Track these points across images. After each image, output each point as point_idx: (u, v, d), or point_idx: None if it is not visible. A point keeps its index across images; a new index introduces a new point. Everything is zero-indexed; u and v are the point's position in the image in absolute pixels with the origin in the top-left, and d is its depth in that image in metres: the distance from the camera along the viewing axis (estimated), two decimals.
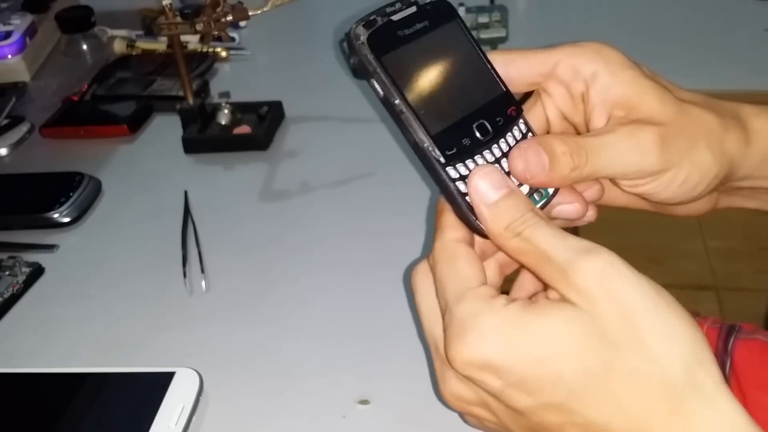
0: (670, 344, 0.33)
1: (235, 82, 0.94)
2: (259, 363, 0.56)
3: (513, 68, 0.42)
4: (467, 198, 0.38)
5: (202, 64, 0.95)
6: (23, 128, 0.87)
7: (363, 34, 0.38)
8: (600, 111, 0.41)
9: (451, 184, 0.38)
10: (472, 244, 0.39)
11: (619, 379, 0.33)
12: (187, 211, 0.71)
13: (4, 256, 0.67)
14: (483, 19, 0.99)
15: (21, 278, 0.65)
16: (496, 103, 0.40)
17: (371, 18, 0.38)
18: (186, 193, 0.74)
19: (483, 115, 0.39)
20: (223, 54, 0.98)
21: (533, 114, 0.43)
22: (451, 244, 0.39)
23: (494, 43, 0.96)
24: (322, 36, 1.03)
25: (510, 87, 0.41)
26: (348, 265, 0.64)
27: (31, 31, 1.01)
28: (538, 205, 0.40)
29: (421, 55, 0.39)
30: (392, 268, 0.62)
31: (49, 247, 0.69)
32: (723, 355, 0.62)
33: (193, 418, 0.50)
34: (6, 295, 0.63)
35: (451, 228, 0.39)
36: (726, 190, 0.47)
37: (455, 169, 0.38)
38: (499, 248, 0.38)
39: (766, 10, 1.00)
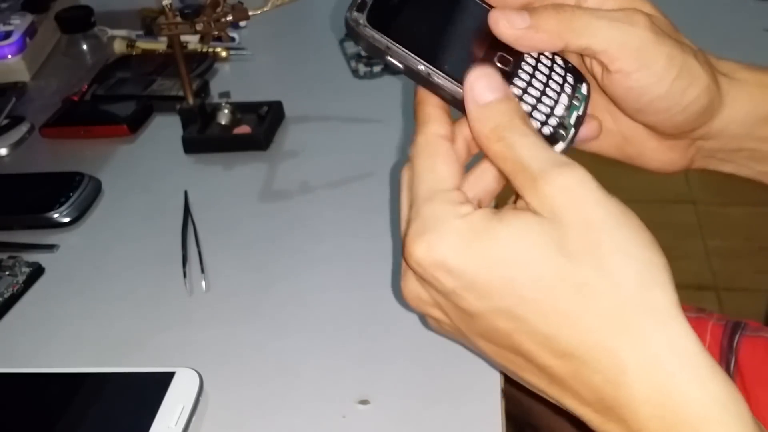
0: (627, 262, 0.33)
1: (235, 82, 0.94)
2: (259, 363, 0.56)
3: None
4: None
5: (202, 64, 0.95)
6: (23, 128, 0.87)
7: (361, 17, 0.38)
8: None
9: None
10: (453, 142, 0.39)
11: (571, 290, 0.32)
12: (187, 211, 0.71)
13: (4, 256, 0.67)
14: None
15: (21, 278, 0.65)
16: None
17: (360, 0, 0.38)
18: (186, 193, 0.74)
19: (499, 46, 0.40)
20: (223, 54, 0.98)
21: None
22: (433, 138, 0.38)
23: None
24: (322, 36, 1.03)
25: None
26: (348, 265, 0.64)
27: (31, 31, 1.01)
28: (579, 111, 0.40)
29: (422, 11, 0.39)
30: (392, 268, 0.62)
31: (49, 247, 0.69)
32: (727, 353, 0.61)
33: (193, 418, 0.50)
34: (6, 295, 0.63)
35: (436, 122, 0.39)
36: (703, 150, 0.46)
37: None
38: (481, 149, 0.38)
39: (766, 10, 1.00)
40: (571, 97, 0.41)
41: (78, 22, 1.03)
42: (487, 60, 0.39)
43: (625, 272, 0.32)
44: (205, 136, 0.81)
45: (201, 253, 0.66)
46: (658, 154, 0.46)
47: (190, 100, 0.80)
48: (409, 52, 0.38)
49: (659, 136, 0.44)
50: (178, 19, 0.74)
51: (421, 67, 0.38)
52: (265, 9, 0.74)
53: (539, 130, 0.39)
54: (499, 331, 0.35)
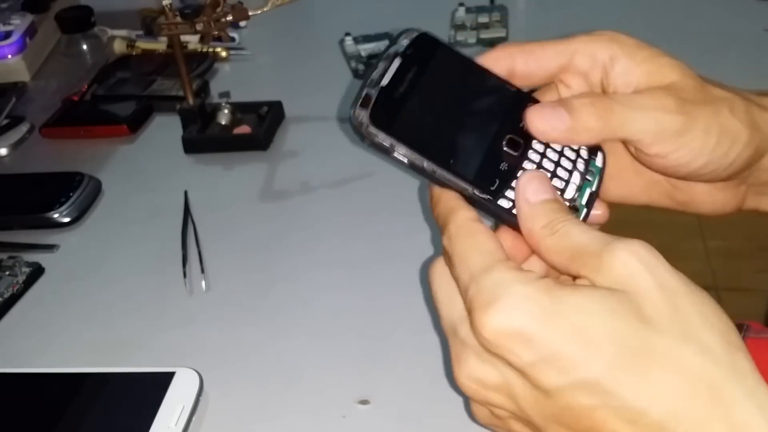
0: (711, 326, 0.31)
1: (235, 82, 0.94)
2: (259, 363, 0.56)
3: (533, 61, 0.41)
4: (513, 211, 0.37)
5: (202, 64, 0.95)
6: (23, 128, 0.87)
7: (365, 117, 0.37)
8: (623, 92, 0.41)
9: (504, 214, 0.37)
10: None
11: (660, 358, 0.31)
12: (187, 211, 0.71)
13: (4, 256, 0.67)
14: (483, 19, 0.99)
15: (21, 278, 0.65)
16: (512, 109, 0.39)
17: (364, 94, 0.37)
18: (186, 193, 0.74)
19: (507, 128, 0.39)
20: (223, 54, 0.98)
21: None
22: (468, 222, 0.37)
23: (494, 43, 0.96)
24: (322, 36, 1.03)
25: (528, 81, 0.41)
26: (348, 265, 0.64)
27: (31, 31, 1.01)
28: (592, 187, 0.39)
29: (426, 101, 0.38)
30: (392, 268, 0.62)
31: (49, 247, 0.69)
32: None
33: (193, 418, 0.50)
34: (6, 295, 0.63)
35: (465, 209, 0.37)
36: (754, 187, 0.45)
37: (506, 198, 0.38)
38: (532, 247, 0.36)
39: (766, 10, 1.00)
40: (583, 174, 0.39)
41: (78, 22, 1.03)
42: (497, 148, 0.38)
43: (712, 337, 0.31)
44: (205, 136, 0.81)
45: (201, 253, 0.66)
46: (709, 197, 0.45)
47: (190, 100, 0.80)
48: (413, 150, 0.37)
49: (707, 183, 0.44)
50: (178, 19, 0.74)
51: (425, 164, 0.37)
52: (265, 9, 0.74)
53: None
54: (579, 410, 0.32)
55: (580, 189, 0.39)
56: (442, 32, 0.99)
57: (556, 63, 0.41)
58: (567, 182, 0.39)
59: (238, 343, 0.58)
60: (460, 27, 0.98)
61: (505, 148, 0.38)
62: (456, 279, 0.36)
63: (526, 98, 0.40)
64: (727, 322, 0.32)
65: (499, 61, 0.41)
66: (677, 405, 0.30)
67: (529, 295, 0.32)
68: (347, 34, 0.97)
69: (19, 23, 1.00)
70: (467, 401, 0.38)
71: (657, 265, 0.32)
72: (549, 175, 0.39)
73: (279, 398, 0.53)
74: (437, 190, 0.39)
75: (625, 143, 0.41)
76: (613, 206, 0.44)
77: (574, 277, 0.35)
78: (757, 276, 1.62)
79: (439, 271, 0.38)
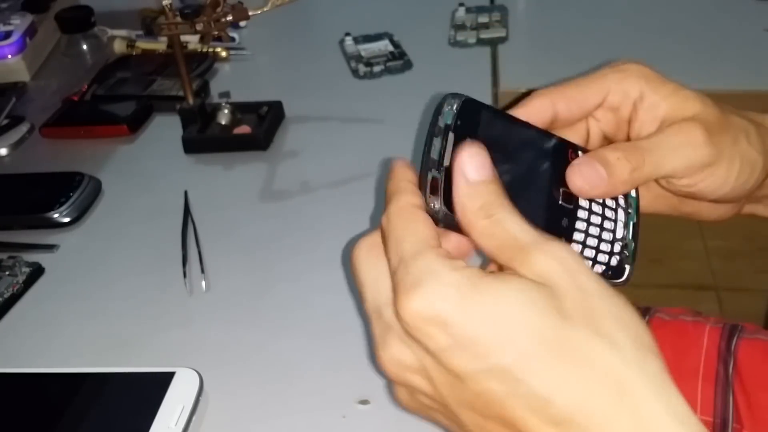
0: (625, 327, 0.32)
1: (235, 82, 0.94)
2: (259, 363, 0.56)
3: (574, 105, 0.43)
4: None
5: (202, 64, 0.95)
6: (23, 128, 0.87)
7: (439, 203, 0.37)
8: (650, 126, 0.43)
9: None
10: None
11: (571, 351, 0.32)
12: (187, 211, 0.71)
13: (4, 256, 0.67)
14: (483, 19, 0.99)
15: (21, 278, 0.65)
16: (560, 161, 0.40)
17: (431, 179, 0.37)
18: (186, 193, 0.74)
19: (560, 182, 0.40)
20: (223, 54, 0.98)
21: (578, 140, 0.45)
22: (409, 206, 0.37)
23: (494, 43, 0.96)
24: (322, 36, 1.03)
25: (570, 123, 0.43)
26: (347, 265, 0.64)
27: (31, 31, 1.01)
28: (634, 219, 0.41)
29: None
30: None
31: (49, 247, 0.69)
32: (726, 355, 0.61)
33: (193, 418, 0.50)
34: (6, 295, 0.63)
35: (411, 193, 0.38)
36: (753, 199, 0.48)
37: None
38: (465, 227, 0.36)
39: (766, 10, 1.00)
40: (626, 209, 0.41)
41: (78, 22, 1.03)
42: (555, 203, 0.39)
43: (622, 336, 0.32)
44: (205, 136, 0.81)
45: (201, 253, 0.66)
46: (713, 210, 0.48)
47: (190, 100, 0.80)
48: None
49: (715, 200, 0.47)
50: (178, 19, 0.74)
51: None
52: (265, 9, 0.74)
53: (608, 263, 0.40)
54: (489, 396, 0.33)
55: (626, 225, 0.41)
56: (442, 32, 0.99)
57: (593, 103, 0.44)
58: (615, 221, 0.40)
59: (238, 343, 0.58)
60: (460, 27, 0.98)
61: (561, 203, 0.39)
62: (388, 260, 0.36)
63: (569, 148, 0.41)
64: (641, 326, 0.33)
65: (541, 112, 0.43)
66: (584, 397, 0.31)
67: (451, 282, 0.33)
68: (347, 34, 0.98)
69: (19, 23, 1.00)
70: (390, 385, 0.38)
71: (579, 268, 0.33)
72: (599, 219, 0.40)
73: (279, 398, 0.53)
74: (398, 168, 0.39)
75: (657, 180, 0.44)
76: None
77: (500, 266, 0.36)
78: (757, 276, 1.62)
79: (365, 251, 0.38)
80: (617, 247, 0.40)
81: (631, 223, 0.41)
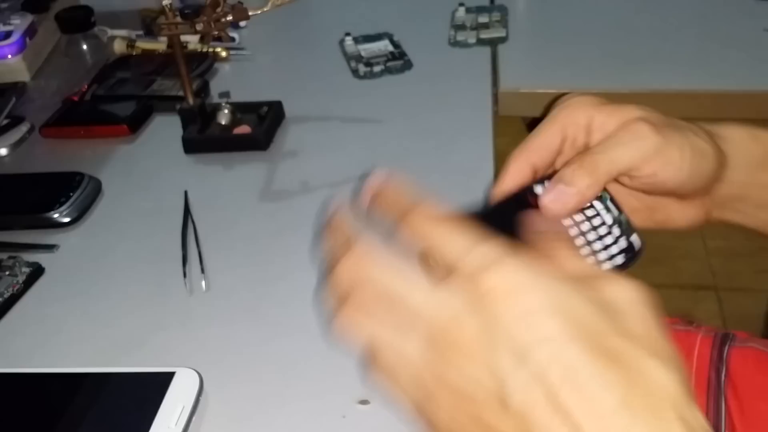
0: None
1: (235, 82, 0.94)
2: (259, 363, 0.56)
3: (545, 152, 0.47)
4: None
5: (202, 64, 0.95)
6: (23, 128, 0.87)
7: None
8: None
9: None
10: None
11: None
12: (187, 211, 0.71)
13: (4, 256, 0.67)
14: (483, 19, 0.99)
15: (21, 278, 0.65)
16: (528, 206, 0.43)
17: None
18: (186, 193, 0.74)
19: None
20: (223, 54, 0.98)
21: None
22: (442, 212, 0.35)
23: (494, 43, 0.96)
24: (323, 36, 1.03)
25: (544, 168, 0.47)
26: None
27: (31, 31, 1.01)
28: (607, 199, 0.44)
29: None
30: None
31: (49, 247, 0.69)
32: (718, 363, 0.62)
33: (193, 418, 0.50)
34: (6, 295, 0.63)
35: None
36: (718, 201, 0.51)
37: None
38: (552, 252, 0.36)
39: (766, 10, 1.00)
40: (598, 198, 0.44)
41: (78, 22, 1.03)
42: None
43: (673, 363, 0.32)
44: (205, 136, 0.81)
45: (201, 252, 0.66)
46: (681, 213, 0.51)
47: (190, 100, 0.80)
48: None
49: (680, 199, 0.50)
50: (178, 19, 0.74)
51: None
52: (265, 9, 0.74)
53: (622, 249, 0.44)
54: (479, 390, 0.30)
55: (607, 209, 0.44)
56: (442, 32, 0.99)
57: (557, 143, 0.47)
58: (598, 214, 0.44)
59: (238, 343, 0.58)
60: (460, 27, 0.98)
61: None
62: (437, 259, 0.33)
63: (526, 193, 0.44)
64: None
65: (523, 171, 0.46)
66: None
67: (531, 263, 0.32)
68: (347, 34, 0.97)
69: (19, 23, 1.00)
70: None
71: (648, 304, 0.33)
72: (587, 224, 0.44)
73: (279, 398, 0.53)
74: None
75: (620, 180, 0.46)
76: None
77: None
78: (757, 276, 1.61)
79: (382, 263, 0.35)
80: (616, 230, 0.44)
81: (608, 202, 0.44)
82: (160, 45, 1.01)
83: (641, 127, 0.44)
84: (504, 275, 0.31)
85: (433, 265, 0.34)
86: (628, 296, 0.32)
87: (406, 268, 0.34)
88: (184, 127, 0.81)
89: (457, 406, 0.32)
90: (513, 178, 0.46)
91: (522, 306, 0.30)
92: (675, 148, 0.45)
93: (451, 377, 0.31)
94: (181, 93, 0.82)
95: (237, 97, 0.85)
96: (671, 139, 0.45)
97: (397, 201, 0.37)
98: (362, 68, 0.92)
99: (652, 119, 0.45)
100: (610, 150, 0.44)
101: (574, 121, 0.47)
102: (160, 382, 0.51)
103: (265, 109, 0.82)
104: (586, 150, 0.45)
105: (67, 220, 0.71)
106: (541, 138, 0.47)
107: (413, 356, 0.33)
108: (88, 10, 1.04)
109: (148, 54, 1.01)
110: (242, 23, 1.02)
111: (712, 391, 0.59)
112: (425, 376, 0.32)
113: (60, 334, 0.60)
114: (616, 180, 0.45)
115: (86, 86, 0.93)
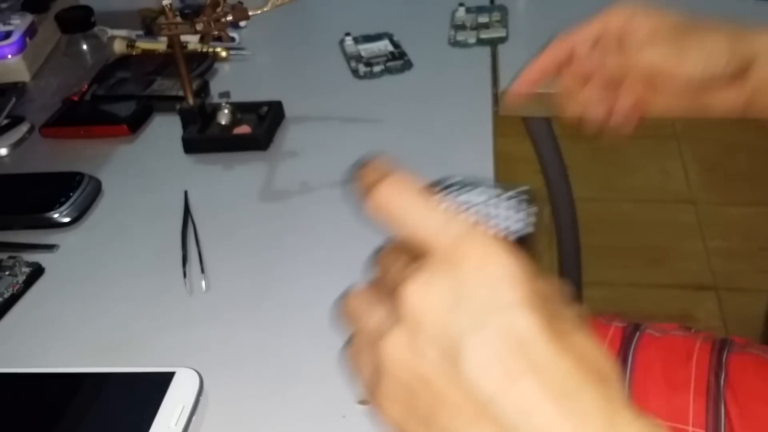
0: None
1: (235, 82, 0.94)
2: (259, 363, 0.56)
3: (587, 36, 0.65)
4: None
5: (202, 64, 0.95)
6: (23, 128, 0.87)
7: None
8: (641, 32, 0.63)
9: None
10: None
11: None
12: (187, 211, 0.71)
13: (4, 256, 0.67)
14: (483, 19, 0.99)
15: (21, 278, 0.65)
16: None
17: None
18: (186, 193, 0.74)
19: None
20: (223, 54, 0.98)
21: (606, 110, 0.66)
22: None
23: (494, 43, 0.96)
24: (323, 36, 1.03)
25: (580, 55, 0.64)
26: (348, 265, 0.64)
27: (31, 31, 1.01)
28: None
29: None
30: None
31: (49, 247, 0.69)
32: (717, 368, 0.62)
33: (193, 418, 0.50)
34: (6, 295, 0.63)
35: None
36: (756, 90, 0.60)
37: None
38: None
39: (766, 10, 1.00)
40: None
41: (78, 22, 1.03)
42: None
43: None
44: (205, 136, 0.81)
45: (201, 253, 0.66)
46: (720, 101, 0.60)
47: (190, 100, 0.80)
48: None
49: (715, 88, 0.61)
50: (178, 19, 0.74)
51: None
52: (265, 9, 0.74)
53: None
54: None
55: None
56: (442, 32, 0.99)
57: (597, 30, 0.63)
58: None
59: (238, 343, 0.58)
60: (460, 27, 0.98)
61: None
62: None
63: None
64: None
65: (563, 51, 0.65)
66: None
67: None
68: (347, 34, 0.97)
69: (19, 23, 1.00)
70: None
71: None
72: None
73: (279, 398, 0.53)
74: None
75: (654, 81, 0.60)
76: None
77: None
78: (757, 276, 1.62)
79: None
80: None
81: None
82: (160, 45, 1.01)
83: (658, 37, 0.58)
84: (476, 245, 0.31)
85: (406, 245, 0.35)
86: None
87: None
88: (184, 127, 0.81)
89: (407, 366, 0.31)
90: (553, 54, 0.62)
91: (489, 272, 0.30)
92: (694, 47, 0.59)
93: (404, 340, 0.31)
94: (181, 93, 0.82)
95: (237, 97, 0.85)
96: (690, 37, 0.59)
97: (368, 175, 0.38)
98: (362, 68, 0.92)
99: (674, 22, 0.59)
100: (631, 60, 0.59)
101: (615, 14, 0.61)
102: (160, 382, 0.51)
103: (265, 109, 0.82)
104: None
105: (67, 220, 0.71)
106: (585, 26, 0.62)
107: (375, 323, 0.34)
108: (88, 10, 1.04)
109: (148, 54, 1.01)
110: (242, 23, 1.02)
111: (712, 396, 0.59)
112: (381, 343, 0.32)
113: (60, 334, 0.60)
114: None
115: (86, 86, 0.93)
